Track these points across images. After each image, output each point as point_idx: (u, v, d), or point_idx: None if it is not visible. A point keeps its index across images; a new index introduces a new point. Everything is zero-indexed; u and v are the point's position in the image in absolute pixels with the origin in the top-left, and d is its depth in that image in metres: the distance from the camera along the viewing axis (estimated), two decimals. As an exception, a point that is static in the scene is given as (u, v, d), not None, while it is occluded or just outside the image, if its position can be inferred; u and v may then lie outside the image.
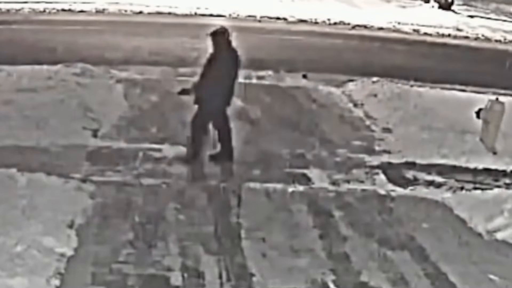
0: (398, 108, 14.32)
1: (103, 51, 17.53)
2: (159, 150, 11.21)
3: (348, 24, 25.58)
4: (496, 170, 11.59)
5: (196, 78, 11.01)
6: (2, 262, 7.16)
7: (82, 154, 10.78)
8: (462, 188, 10.72)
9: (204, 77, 10.60)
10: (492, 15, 30.78)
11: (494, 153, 12.11)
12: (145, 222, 8.69)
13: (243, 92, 15.19)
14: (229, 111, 10.88)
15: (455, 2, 31.00)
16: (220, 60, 10.52)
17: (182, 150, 11.24)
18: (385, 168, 11.28)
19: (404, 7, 30.43)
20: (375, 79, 16.29)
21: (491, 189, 10.59)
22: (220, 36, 10.61)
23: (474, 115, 12.66)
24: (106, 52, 17.54)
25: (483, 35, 26.13)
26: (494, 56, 22.40)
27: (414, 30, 25.77)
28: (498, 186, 10.80)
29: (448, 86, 16.74)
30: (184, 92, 14.53)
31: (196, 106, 10.80)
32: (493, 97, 12.89)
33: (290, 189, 10.10)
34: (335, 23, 25.60)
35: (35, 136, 11.03)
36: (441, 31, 26.09)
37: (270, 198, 9.78)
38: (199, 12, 25.45)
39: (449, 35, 25.65)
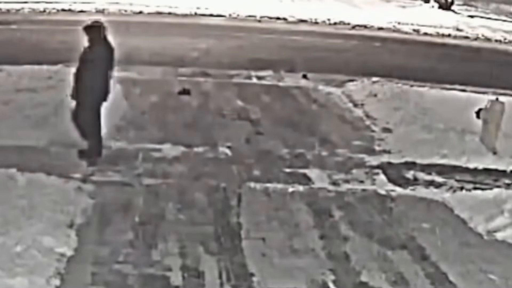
0: (398, 108, 14.33)
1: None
2: (159, 150, 11.22)
3: (348, 24, 25.61)
4: (496, 170, 11.58)
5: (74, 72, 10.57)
6: (2, 262, 7.16)
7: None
8: (462, 188, 10.71)
9: (80, 72, 10.34)
10: (492, 15, 30.80)
11: (494, 153, 12.10)
12: (145, 222, 8.70)
13: (243, 92, 15.25)
14: (103, 107, 10.58)
15: (455, 2, 31.02)
16: (94, 54, 10.30)
17: (181, 150, 11.27)
18: (385, 168, 11.28)
19: (404, 7, 30.47)
20: (375, 79, 16.31)
21: (491, 189, 10.58)
22: (94, 30, 10.41)
23: (474, 115, 12.67)
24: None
25: (483, 35, 26.14)
26: (494, 56, 22.41)
27: (414, 30, 25.80)
28: (498, 186, 10.79)
29: (448, 86, 16.75)
30: (184, 92, 14.66)
31: (73, 102, 10.48)
32: (493, 97, 12.89)
33: (290, 189, 10.10)
34: (335, 23, 25.62)
35: (35, 136, 11.03)
36: (441, 31, 26.11)
37: (270, 198, 9.78)
38: (199, 12, 25.50)
39: (449, 35, 25.67)
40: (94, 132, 10.55)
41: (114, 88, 10.81)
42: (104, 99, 10.50)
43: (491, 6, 32.85)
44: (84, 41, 10.45)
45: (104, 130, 10.71)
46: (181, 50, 18.98)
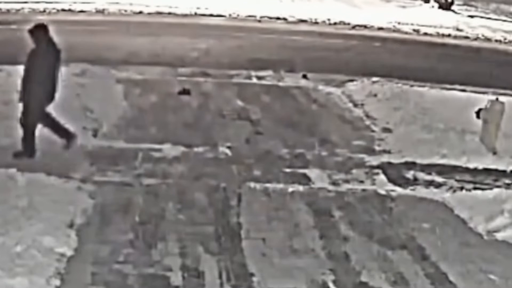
0: (398, 108, 14.33)
1: (103, 51, 17.53)
2: (159, 150, 11.22)
3: (348, 24, 25.61)
4: (496, 170, 11.58)
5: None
6: (2, 262, 7.16)
7: (82, 154, 10.79)
8: (462, 188, 10.71)
9: (27, 74, 10.30)
10: (492, 15, 30.80)
11: (494, 153, 12.10)
12: (145, 222, 8.70)
13: (243, 92, 15.26)
14: (52, 107, 10.57)
15: (455, 2, 31.01)
16: (40, 55, 10.26)
17: (181, 150, 11.27)
18: (385, 168, 11.28)
19: (404, 7, 30.45)
20: (375, 79, 16.31)
21: (491, 189, 10.59)
22: (39, 31, 10.36)
23: (474, 115, 12.67)
24: (106, 52, 17.54)
25: (483, 35, 26.14)
26: (494, 56, 22.41)
27: (414, 30, 25.79)
28: (498, 186, 10.80)
29: (448, 86, 16.75)
30: (184, 92, 14.66)
31: (21, 104, 10.45)
32: (493, 97, 12.89)
33: (290, 189, 10.10)
34: (335, 23, 25.62)
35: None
36: (441, 31, 26.11)
37: (270, 198, 9.78)
38: (199, 12, 25.49)
39: (449, 35, 25.67)
40: (29, 132, 10.44)
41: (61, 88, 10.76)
42: (51, 100, 10.45)
43: (491, 6, 32.84)
44: (30, 43, 10.41)
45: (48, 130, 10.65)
46: (181, 50, 18.98)
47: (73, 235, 8.09)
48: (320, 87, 16.12)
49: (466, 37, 25.66)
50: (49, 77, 10.33)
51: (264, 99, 14.87)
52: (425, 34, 25.47)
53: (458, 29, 26.66)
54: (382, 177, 10.92)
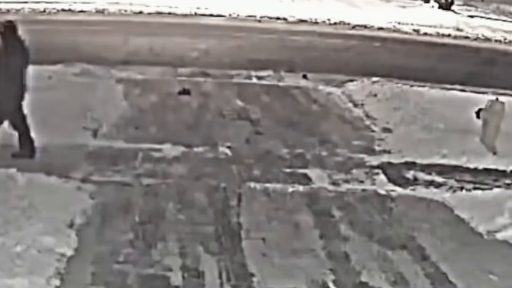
0: (398, 108, 14.33)
1: (103, 51, 17.53)
2: (159, 150, 11.23)
3: (348, 24, 25.60)
4: (496, 170, 11.58)
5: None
6: (2, 262, 7.16)
7: (82, 154, 10.79)
8: (462, 188, 10.71)
9: None
10: (492, 15, 30.79)
11: (494, 153, 12.11)
12: (145, 222, 8.70)
13: (243, 92, 15.26)
14: (25, 106, 10.46)
15: (455, 2, 31.02)
16: (8, 54, 10.18)
17: (181, 150, 11.27)
18: (385, 168, 11.28)
19: (404, 7, 30.45)
20: (375, 79, 16.31)
21: (491, 189, 10.59)
22: (6, 29, 10.28)
23: (474, 115, 12.67)
24: (106, 52, 17.55)
25: (483, 35, 26.13)
26: (494, 56, 22.40)
27: (414, 30, 25.78)
28: (498, 186, 10.80)
29: (448, 86, 16.75)
30: (184, 92, 14.66)
31: None
32: (493, 97, 12.89)
33: (290, 189, 10.10)
34: (335, 23, 25.61)
35: (35, 136, 11.02)
36: (441, 31, 26.10)
37: (270, 198, 9.78)
38: (199, 12, 25.48)
39: (449, 35, 25.66)
40: (24, 133, 10.44)
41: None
42: (21, 99, 10.38)
43: (491, 6, 32.84)
44: None
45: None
46: (181, 50, 18.98)
47: (73, 235, 8.09)
48: (320, 87, 16.12)
49: (466, 37, 25.65)
50: (17, 76, 10.25)
51: (264, 99, 14.87)
52: (425, 34, 25.46)
53: (458, 29, 26.65)
54: (382, 177, 10.92)
